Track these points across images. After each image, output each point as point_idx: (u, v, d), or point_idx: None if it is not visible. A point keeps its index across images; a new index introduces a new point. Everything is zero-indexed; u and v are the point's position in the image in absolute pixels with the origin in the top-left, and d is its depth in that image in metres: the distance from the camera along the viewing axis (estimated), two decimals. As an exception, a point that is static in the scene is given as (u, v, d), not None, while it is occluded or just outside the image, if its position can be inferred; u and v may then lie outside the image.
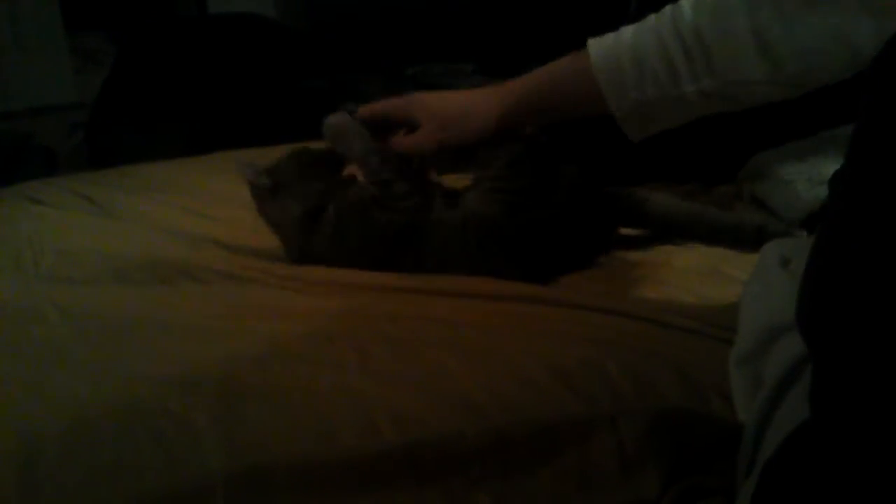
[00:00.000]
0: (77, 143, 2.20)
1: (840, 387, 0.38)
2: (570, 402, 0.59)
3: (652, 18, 0.80)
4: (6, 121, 2.57)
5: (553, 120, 0.89)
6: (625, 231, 0.99)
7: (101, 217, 1.09)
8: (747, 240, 0.90)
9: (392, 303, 0.81)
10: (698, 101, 0.79)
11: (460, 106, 0.89)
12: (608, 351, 0.64)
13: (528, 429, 0.56)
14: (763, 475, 0.43)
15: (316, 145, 0.95)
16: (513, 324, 0.74)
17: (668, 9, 0.79)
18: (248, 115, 1.78)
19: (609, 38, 0.82)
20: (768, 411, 0.51)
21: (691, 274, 0.87)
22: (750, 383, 0.56)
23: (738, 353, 0.59)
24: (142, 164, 1.32)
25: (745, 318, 0.61)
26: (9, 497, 0.52)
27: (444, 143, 0.89)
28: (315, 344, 0.70)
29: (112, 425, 0.59)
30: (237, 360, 0.68)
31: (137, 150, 1.65)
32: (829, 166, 0.86)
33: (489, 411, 0.58)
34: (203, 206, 1.11)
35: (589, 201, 0.93)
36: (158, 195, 1.15)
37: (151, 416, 0.59)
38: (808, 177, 0.94)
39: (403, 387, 0.62)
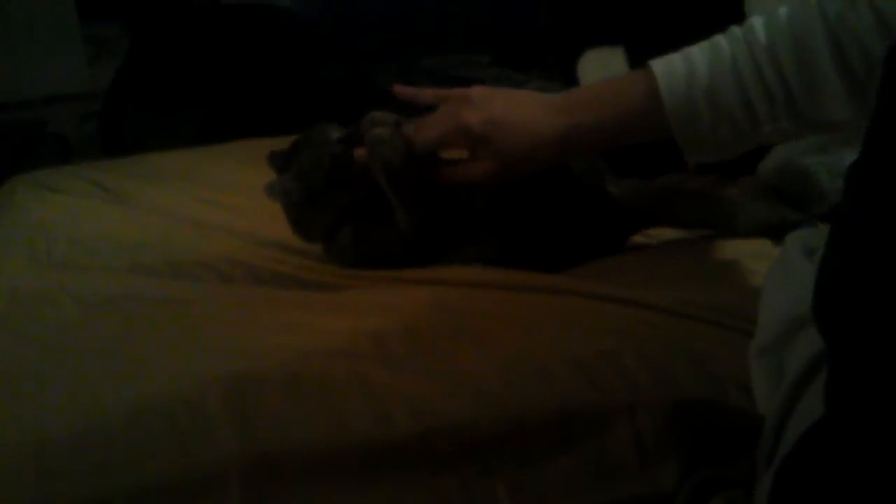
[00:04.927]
0: (90, 133, 2.21)
1: (855, 383, 0.37)
2: (587, 393, 0.59)
3: (725, 48, 0.74)
4: (20, 109, 2.58)
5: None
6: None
7: (115, 205, 1.09)
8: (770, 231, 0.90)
9: (408, 293, 0.80)
10: (771, 137, 0.76)
11: (530, 143, 0.80)
12: (625, 341, 0.64)
13: (544, 418, 0.56)
14: (780, 471, 0.42)
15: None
16: (528, 314, 0.73)
17: (740, 36, 0.74)
18: (262, 105, 1.78)
19: (680, 72, 0.75)
20: (790, 403, 0.50)
21: (708, 266, 0.86)
22: (771, 374, 0.55)
23: (758, 344, 0.58)
24: (155, 152, 1.32)
25: (767, 308, 0.60)
26: (24, 484, 0.53)
27: (503, 181, 0.83)
28: (330, 333, 0.70)
29: (126, 411, 0.59)
30: (251, 348, 0.68)
31: (151, 139, 1.65)
32: (852, 158, 0.85)
33: (504, 401, 0.58)
34: (217, 194, 1.11)
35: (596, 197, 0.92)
36: (172, 183, 1.15)
37: (165, 403, 0.59)
38: (830, 168, 0.92)
39: (418, 376, 0.62)
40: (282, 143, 1.33)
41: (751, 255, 0.86)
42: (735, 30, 0.75)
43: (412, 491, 0.53)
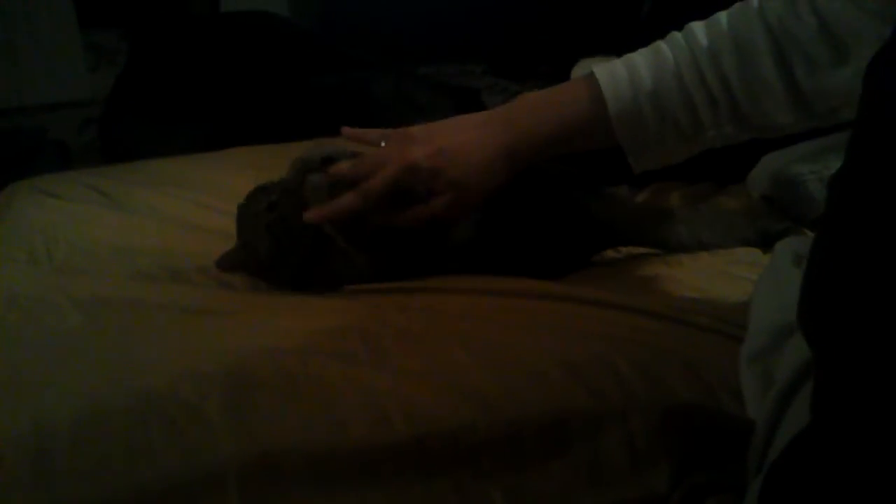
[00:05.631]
0: (90, 140, 2.22)
1: (840, 390, 0.38)
2: (581, 397, 0.59)
3: (668, 53, 0.75)
4: (20, 116, 2.59)
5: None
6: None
7: (114, 210, 1.10)
8: (753, 242, 0.90)
9: (403, 297, 0.81)
10: (714, 141, 0.76)
11: (479, 164, 0.80)
12: (618, 347, 0.64)
13: (539, 423, 0.56)
14: (769, 477, 0.43)
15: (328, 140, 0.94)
16: (524, 319, 0.74)
17: (682, 42, 0.74)
18: (260, 113, 1.79)
19: (623, 77, 0.76)
20: (779, 410, 0.51)
21: (700, 273, 0.87)
22: (760, 381, 0.56)
23: (748, 351, 0.58)
24: (154, 158, 1.32)
25: (757, 316, 0.60)
26: (23, 484, 0.53)
27: (467, 209, 0.84)
28: (327, 336, 0.71)
29: (124, 413, 0.59)
30: (249, 351, 0.69)
31: (149, 146, 1.65)
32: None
33: (500, 405, 0.58)
34: (215, 200, 1.11)
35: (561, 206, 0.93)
36: (171, 189, 1.15)
37: (163, 405, 0.59)
38: (820, 176, 0.93)
39: (415, 379, 0.62)
40: (279, 149, 1.34)
41: (742, 262, 0.87)
42: (676, 35, 0.76)
43: (408, 494, 0.53)
